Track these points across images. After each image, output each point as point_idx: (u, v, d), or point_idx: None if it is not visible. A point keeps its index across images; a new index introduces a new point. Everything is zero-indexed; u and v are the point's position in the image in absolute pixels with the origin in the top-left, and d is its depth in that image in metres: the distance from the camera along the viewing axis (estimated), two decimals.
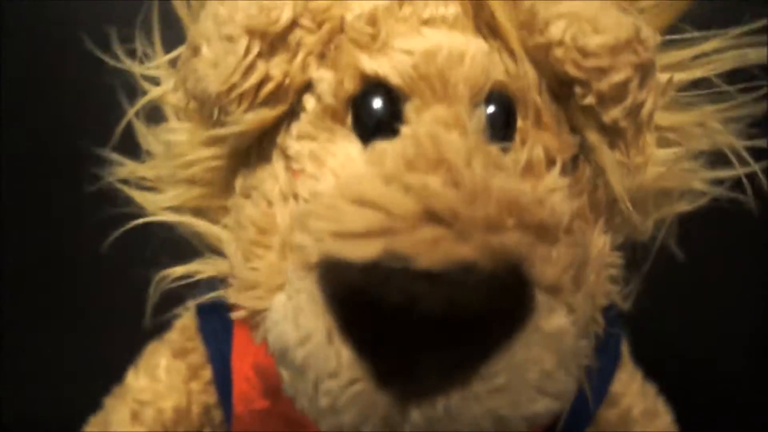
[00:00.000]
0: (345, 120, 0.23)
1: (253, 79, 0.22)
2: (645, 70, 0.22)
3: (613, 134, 0.23)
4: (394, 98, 0.23)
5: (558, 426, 0.33)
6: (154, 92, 0.28)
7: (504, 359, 0.19)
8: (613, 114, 0.22)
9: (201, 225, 0.29)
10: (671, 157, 0.24)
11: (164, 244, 0.32)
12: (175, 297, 0.33)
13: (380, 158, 0.21)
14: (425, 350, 0.18)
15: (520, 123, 0.23)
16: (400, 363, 0.19)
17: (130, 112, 0.29)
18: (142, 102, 0.28)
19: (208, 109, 0.24)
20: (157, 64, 0.29)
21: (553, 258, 0.20)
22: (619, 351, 0.36)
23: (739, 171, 0.24)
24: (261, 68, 0.23)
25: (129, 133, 0.32)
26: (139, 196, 0.30)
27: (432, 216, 0.19)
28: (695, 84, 0.25)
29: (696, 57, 0.24)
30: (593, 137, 0.23)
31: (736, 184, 0.24)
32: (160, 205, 0.30)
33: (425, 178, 0.19)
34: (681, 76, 0.24)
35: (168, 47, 0.30)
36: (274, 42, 0.23)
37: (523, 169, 0.22)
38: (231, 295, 0.25)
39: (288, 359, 0.21)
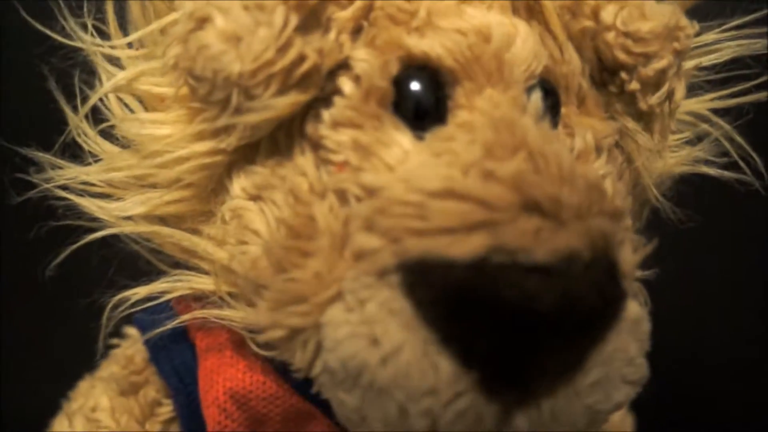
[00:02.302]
0: (389, 106, 0.21)
1: (290, 57, 0.19)
2: (682, 58, 0.22)
3: (646, 120, 0.23)
4: (439, 82, 0.21)
5: None
6: (122, 75, 0.23)
7: (600, 351, 0.18)
8: (651, 100, 0.23)
9: (177, 235, 0.24)
10: (678, 143, 0.26)
11: (114, 261, 0.27)
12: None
13: (447, 146, 0.19)
14: (543, 351, 0.17)
15: (563, 110, 0.23)
16: (513, 368, 0.17)
17: (92, 100, 0.23)
18: (106, 88, 0.23)
19: (220, 93, 0.20)
20: (117, 44, 0.24)
21: (625, 245, 0.20)
22: None
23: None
24: (298, 45, 0.19)
25: (50, 130, 0.26)
26: (91, 204, 0.24)
27: (531, 205, 0.17)
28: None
29: (697, 47, 0.26)
30: (630, 124, 0.23)
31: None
32: (119, 215, 0.24)
33: (513, 165, 0.18)
34: (687, 65, 0.26)
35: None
36: (308, 16, 0.20)
37: (576, 156, 0.22)
38: (261, 315, 0.21)
39: (364, 381, 0.18)
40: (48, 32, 0.23)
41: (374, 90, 0.20)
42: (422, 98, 0.21)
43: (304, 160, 0.21)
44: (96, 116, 0.25)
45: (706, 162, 0.26)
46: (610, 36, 0.22)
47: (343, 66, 0.21)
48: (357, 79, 0.21)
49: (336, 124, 0.21)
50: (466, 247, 0.17)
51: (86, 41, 0.23)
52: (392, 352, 0.17)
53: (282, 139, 0.22)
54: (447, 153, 0.19)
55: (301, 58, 0.20)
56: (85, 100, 0.25)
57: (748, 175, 0.26)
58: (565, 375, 0.18)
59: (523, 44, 0.21)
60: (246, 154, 0.22)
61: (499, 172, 0.18)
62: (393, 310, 0.18)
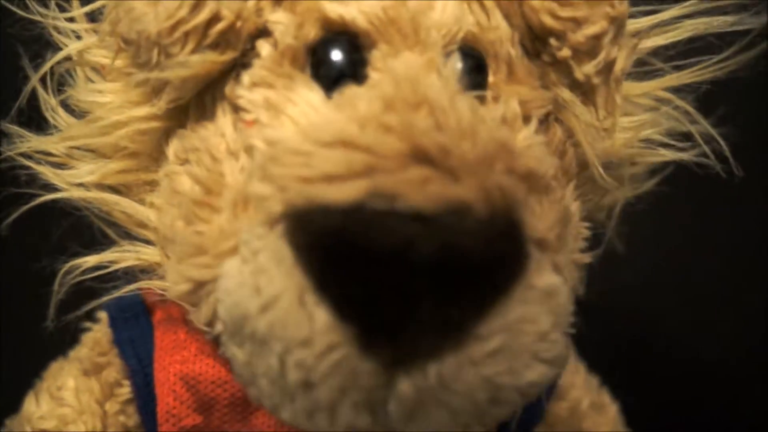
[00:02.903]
0: (304, 67, 0.21)
1: (203, 15, 0.20)
2: (619, 25, 0.21)
3: (584, 92, 0.22)
4: (358, 46, 0.21)
5: (512, 422, 0.31)
6: (73, 47, 0.24)
7: (499, 317, 0.17)
8: (586, 69, 0.22)
9: (123, 203, 0.25)
10: (633, 125, 0.24)
11: (72, 231, 0.28)
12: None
13: (351, 102, 0.19)
14: (419, 304, 0.16)
15: (491, 78, 0.22)
16: (389, 322, 0.16)
17: (40, 72, 0.25)
18: (56, 58, 0.24)
19: (144, 54, 0.21)
20: (74, 15, 0.25)
21: (541, 210, 0.19)
22: None
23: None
24: (211, 5, 0.20)
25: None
26: (47, 171, 0.26)
27: (420, 155, 0.17)
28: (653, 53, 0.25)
29: (655, 26, 0.25)
30: (566, 94, 0.22)
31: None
32: (72, 181, 0.26)
33: (408, 117, 0.17)
34: (641, 45, 0.25)
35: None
36: None
37: (499, 122, 0.21)
38: (169, 268, 0.21)
39: (246, 332, 0.18)
40: (7, 5, 0.24)
41: (287, 50, 0.21)
42: (340, 62, 0.21)
43: (224, 120, 0.22)
44: (62, 90, 0.27)
45: (664, 145, 0.25)
46: (536, 1, 0.21)
47: (264, 32, 0.21)
48: (275, 44, 0.21)
49: (252, 84, 0.21)
50: (343, 192, 0.16)
51: (46, 15, 0.25)
52: (270, 300, 0.17)
53: (208, 102, 0.22)
54: (348, 108, 0.19)
55: (216, 18, 0.20)
56: (53, 75, 0.26)
57: (710, 159, 0.24)
58: (449, 336, 0.17)
59: (443, 9, 0.21)
60: (180, 120, 0.23)
61: (394, 124, 0.17)
62: (279, 260, 0.17)
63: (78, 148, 0.26)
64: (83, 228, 0.27)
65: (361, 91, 0.19)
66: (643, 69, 0.26)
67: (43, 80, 0.27)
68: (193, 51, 0.20)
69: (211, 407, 0.26)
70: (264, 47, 0.21)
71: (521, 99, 0.22)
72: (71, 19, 0.25)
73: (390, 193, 0.16)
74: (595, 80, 0.22)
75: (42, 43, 0.27)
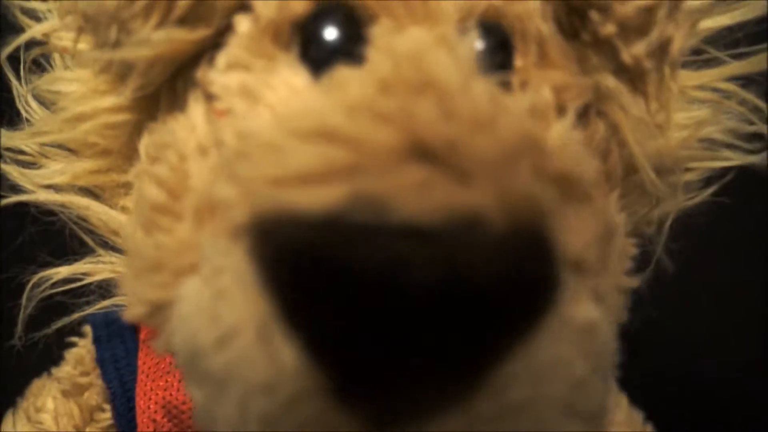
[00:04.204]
0: (289, 45, 0.18)
1: None
2: None
3: (633, 79, 0.18)
4: (355, 21, 0.18)
5: None
6: (36, 29, 0.21)
7: (523, 361, 0.13)
8: (636, 50, 0.17)
9: (95, 207, 0.22)
10: (691, 122, 0.20)
11: (42, 238, 0.25)
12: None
13: (341, 84, 0.15)
14: (415, 344, 0.12)
15: (518, 61, 0.18)
16: (374, 367, 0.12)
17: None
18: (18, 41, 0.22)
19: (103, 32, 0.18)
20: None
21: (578, 224, 0.15)
22: None
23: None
24: None
25: None
26: (12, 171, 0.23)
27: (420, 150, 0.13)
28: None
29: (714, 3, 0.20)
30: (610, 82, 0.18)
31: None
32: (40, 182, 0.23)
33: (408, 103, 0.14)
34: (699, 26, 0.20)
35: None
36: None
37: (527, 113, 0.17)
38: (126, 287, 0.18)
39: (201, 370, 0.14)
40: None
41: (269, 26, 0.17)
42: (334, 40, 0.17)
43: (195, 111, 0.18)
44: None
45: (727, 146, 0.20)
46: None
47: (245, 6, 0.18)
48: (256, 18, 0.18)
49: (228, 66, 0.18)
50: (318, 198, 0.13)
51: None
52: (228, 332, 0.13)
53: (180, 90, 0.19)
54: (336, 92, 0.15)
55: None
56: (26, 63, 0.24)
57: None
58: (457, 386, 0.13)
59: None
60: (151, 112, 0.20)
61: (389, 110, 0.14)
62: (244, 282, 0.14)
63: (50, 145, 0.24)
64: (55, 235, 0.25)
65: (353, 71, 0.16)
66: (700, 57, 0.22)
67: (16, 68, 0.24)
68: (157, 26, 0.17)
69: None
70: (242, 23, 0.18)
71: (555, 86, 0.18)
72: None
73: (379, 199, 0.12)
74: (647, 64, 0.18)
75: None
